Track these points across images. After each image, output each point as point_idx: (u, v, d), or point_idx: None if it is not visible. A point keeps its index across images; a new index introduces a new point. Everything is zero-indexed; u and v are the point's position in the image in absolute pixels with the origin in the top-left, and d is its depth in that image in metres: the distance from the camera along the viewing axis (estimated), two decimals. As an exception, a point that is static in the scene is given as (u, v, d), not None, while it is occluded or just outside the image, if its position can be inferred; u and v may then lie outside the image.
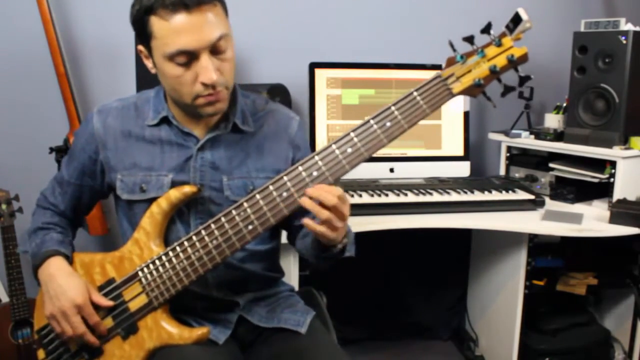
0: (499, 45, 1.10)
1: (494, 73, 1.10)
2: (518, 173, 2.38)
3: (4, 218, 1.95)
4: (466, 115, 2.31)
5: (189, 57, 1.09)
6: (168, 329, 1.18)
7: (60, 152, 2.04)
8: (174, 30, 1.07)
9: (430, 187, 2.09)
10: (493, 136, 2.46)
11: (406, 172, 2.26)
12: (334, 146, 1.12)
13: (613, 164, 2.06)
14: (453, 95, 1.11)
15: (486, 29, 1.10)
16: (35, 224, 1.31)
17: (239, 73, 2.25)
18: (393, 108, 1.11)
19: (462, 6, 2.48)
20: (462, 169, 2.32)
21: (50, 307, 1.18)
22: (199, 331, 1.19)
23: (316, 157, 1.12)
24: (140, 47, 1.16)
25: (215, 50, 1.11)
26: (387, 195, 2.00)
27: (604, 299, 2.38)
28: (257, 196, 1.12)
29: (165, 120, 1.24)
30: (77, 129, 1.30)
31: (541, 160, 2.31)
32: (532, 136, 2.32)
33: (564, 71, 2.23)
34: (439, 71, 1.13)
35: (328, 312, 1.53)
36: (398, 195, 2.00)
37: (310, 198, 1.09)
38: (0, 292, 2.16)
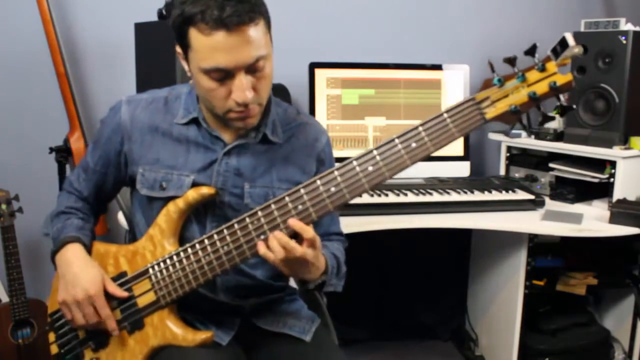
0: (542, 70, 1.02)
1: (534, 100, 1.03)
2: (518, 173, 2.38)
3: (4, 218, 1.95)
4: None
5: (224, 74, 1.08)
6: (173, 330, 1.18)
7: (60, 152, 2.04)
8: (212, 47, 1.05)
9: (430, 187, 2.09)
10: (493, 136, 2.46)
11: (406, 172, 2.24)
12: (355, 162, 1.08)
13: (613, 164, 2.05)
14: (486, 121, 1.05)
15: (530, 51, 1.01)
16: (59, 207, 1.31)
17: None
18: (420, 129, 1.06)
19: (462, 6, 2.49)
20: (462, 169, 2.32)
21: (63, 294, 1.18)
22: (203, 335, 1.18)
23: (335, 173, 1.09)
24: (179, 50, 1.15)
25: (251, 69, 1.09)
26: (387, 195, 1.99)
27: (604, 299, 2.38)
28: (272, 206, 1.11)
29: (194, 121, 1.23)
30: (105, 117, 1.29)
31: (541, 160, 2.31)
32: (532, 136, 2.32)
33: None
34: (473, 94, 1.05)
35: (328, 313, 1.53)
36: (398, 195, 2.00)
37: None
38: (0, 292, 2.16)
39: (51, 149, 2.05)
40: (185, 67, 1.16)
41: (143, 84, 1.95)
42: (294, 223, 1.08)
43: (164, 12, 1.85)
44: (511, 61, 1.03)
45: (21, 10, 2.10)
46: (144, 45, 1.97)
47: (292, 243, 1.07)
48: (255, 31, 1.07)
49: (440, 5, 2.47)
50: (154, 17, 1.90)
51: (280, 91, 2.12)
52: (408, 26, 2.46)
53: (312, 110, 2.21)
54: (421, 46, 2.47)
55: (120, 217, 1.81)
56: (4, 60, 2.14)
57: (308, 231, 1.08)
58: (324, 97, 2.23)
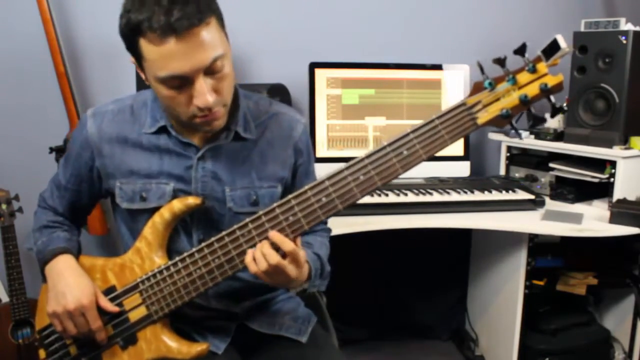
0: (533, 71, 0.99)
1: (525, 104, 1.00)
2: (518, 173, 2.38)
3: (4, 218, 1.95)
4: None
5: (182, 81, 1.03)
6: (167, 343, 1.17)
7: (60, 152, 2.04)
8: (164, 55, 1.00)
9: (430, 187, 2.09)
10: (493, 136, 2.45)
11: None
12: (346, 172, 1.05)
13: (613, 163, 2.05)
14: (478, 127, 1.02)
15: (520, 50, 0.99)
16: (40, 222, 1.29)
17: (239, 73, 2.25)
18: (412, 135, 1.03)
19: (463, 6, 2.48)
20: (462, 169, 2.32)
21: (54, 305, 1.15)
22: (198, 347, 1.16)
23: (326, 182, 1.06)
24: (132, 59, 1.11)
25: (210, 71, 1.04)
26: (387, 195, 2.00)
27: (604, 299, 2.38)
28: (263, 218, 1.08)
29: (163, 129, 1.19)
30: (73, 132, 1.25)
31: (541, 160, 2.31)
32: (532, 136, 2.32)
33: (564, 71, 2.23)
34: (464, 99, 1.03)
35: (328, 312, 1.53)
36: (398, 195, 2.00)
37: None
38: (0, 292, 2.16)
39: (51, 149, 2.05)
40: (142, 76, 1.11)
41: (143, 84, 1.94)
42: (274, 235, 1.06)
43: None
44: (501, 62, 1.00)
45: (21, 10, 2.10)
46: (144, 45, 1.97)
47: (270, 250, 1.06)
48: (207, 32, 1.01)
49: (441, 5, 2.47)
50: (154, 17, 1.90)
51: (280, 91, 2.12)
52: (408, 26, 2.45)
53: (312, 110, 2.21)
54: (421, 46, 2.46)
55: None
56: (4, 60, 2.14)
57: (287, 244, 1.06)
58: (324, 97, 2.23)
